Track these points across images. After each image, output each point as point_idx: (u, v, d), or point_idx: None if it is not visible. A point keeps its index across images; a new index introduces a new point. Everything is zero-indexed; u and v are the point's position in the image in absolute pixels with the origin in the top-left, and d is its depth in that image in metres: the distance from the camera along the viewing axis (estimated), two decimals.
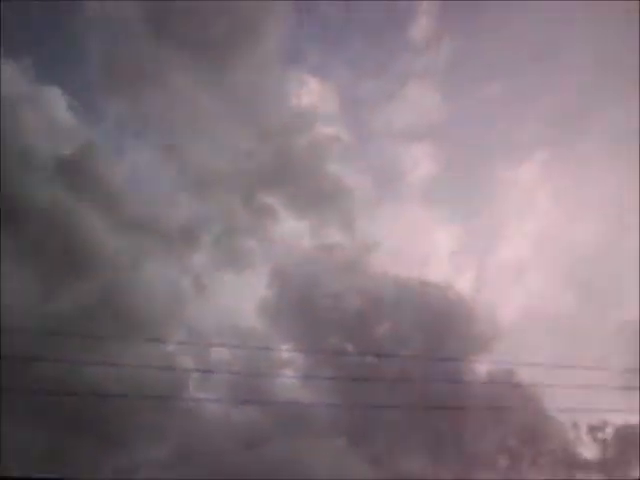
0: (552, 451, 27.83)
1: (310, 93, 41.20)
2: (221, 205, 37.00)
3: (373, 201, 41.11)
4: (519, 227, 45.17)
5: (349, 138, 41.39)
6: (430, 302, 32.19)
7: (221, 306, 33.79)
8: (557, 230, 43.87)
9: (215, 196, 36.96)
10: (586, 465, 27.34)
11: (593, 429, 27.71)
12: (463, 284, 44.62)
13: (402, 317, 31.40)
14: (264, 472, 24.21)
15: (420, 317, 31.02)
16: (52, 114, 35.02)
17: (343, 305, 32.00)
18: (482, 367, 25.71)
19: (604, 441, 27.62)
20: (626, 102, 40.38)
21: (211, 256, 35.93)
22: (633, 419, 24.97)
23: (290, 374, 26.39)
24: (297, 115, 38.42)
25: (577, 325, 38.48)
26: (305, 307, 32.67)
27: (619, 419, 26.48)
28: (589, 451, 27.74)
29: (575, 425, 27.64)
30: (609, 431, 27.77)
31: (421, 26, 42.05)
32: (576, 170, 43.31)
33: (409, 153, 45.57)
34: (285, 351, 27.70)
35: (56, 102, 35.43)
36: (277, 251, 36.83)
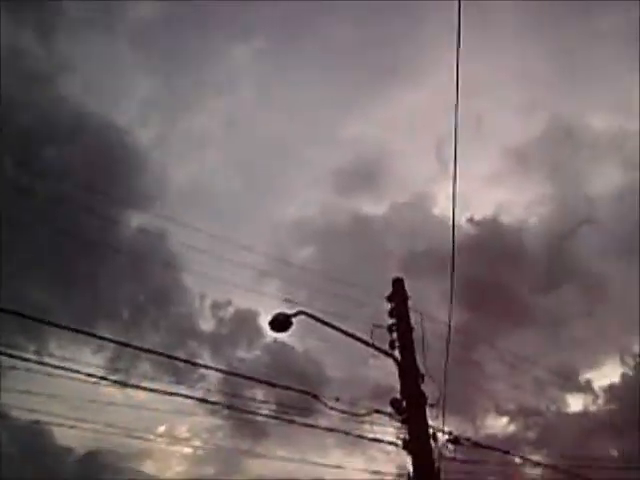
0: (173, 316, 29.47)
1: None
2: None
3: (81, 23, 37.24)
4: (216, 102, 45.72)
5: None
6: (106, 144, 31.02)
7: None
8: (252, 116, 45.09)
9: None
10: (198, 336, 29.60)
11: (216, 305, 29.94)
12: (146, 137, 44.79)
13: (75, 148, 29.65)
14: None
15: (93, 156, 29.67)
16: None
17: (18, 117, 28.76)
18: (140, 220, 25.92)
19: (222, 319, 30.17)
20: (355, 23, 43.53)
21: None
22: (254, 305, 27.45)
23: None
24: None
25: (239, 208, 41.90)
26: None
27: (242, 302, 29.06)
28: (207, 324, 29.96)
29: (202, 297, 29.54)
30: (230, 310, 29.59)
31: None
32: (293, 68, 45.21)
33: None
34: None
35: None
36: None
